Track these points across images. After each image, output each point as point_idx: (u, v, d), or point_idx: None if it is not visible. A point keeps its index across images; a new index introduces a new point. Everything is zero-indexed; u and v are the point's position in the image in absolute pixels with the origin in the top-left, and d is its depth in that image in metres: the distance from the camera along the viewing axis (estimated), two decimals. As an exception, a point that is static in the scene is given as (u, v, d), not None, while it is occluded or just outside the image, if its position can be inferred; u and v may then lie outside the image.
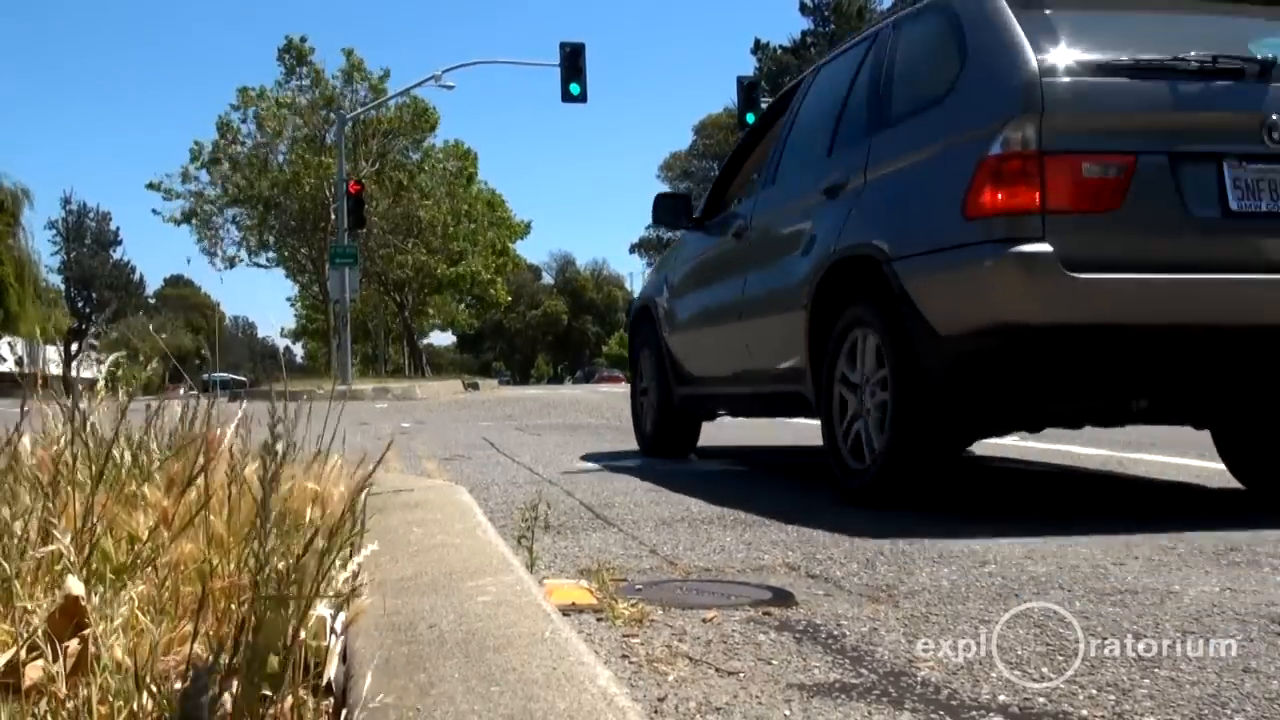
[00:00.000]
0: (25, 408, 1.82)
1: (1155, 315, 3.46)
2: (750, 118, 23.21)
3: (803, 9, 51.16)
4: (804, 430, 6.84)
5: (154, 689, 1.29)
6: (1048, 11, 3.74)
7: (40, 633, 1.30)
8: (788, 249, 4.73)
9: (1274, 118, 3.48)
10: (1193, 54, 3.56)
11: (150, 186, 37.46)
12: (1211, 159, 3.51)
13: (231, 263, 39.42)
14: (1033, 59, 3.52)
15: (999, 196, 3.48)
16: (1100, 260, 3.41)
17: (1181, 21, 3.98)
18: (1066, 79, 3.52)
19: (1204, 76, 3.56)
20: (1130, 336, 3.47)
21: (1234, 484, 4.42)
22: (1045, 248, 3.36)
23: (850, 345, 4.13)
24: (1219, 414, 4.09)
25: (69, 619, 1.29)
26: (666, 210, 6.27)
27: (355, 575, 1.56)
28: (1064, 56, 3.57)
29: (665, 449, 6.34)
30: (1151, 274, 3.43)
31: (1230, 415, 4.11)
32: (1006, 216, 3.46)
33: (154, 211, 39.68)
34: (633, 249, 73.59)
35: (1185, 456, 5.47)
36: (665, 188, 56.58)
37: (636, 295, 7.30)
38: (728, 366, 5.45)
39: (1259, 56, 3.59)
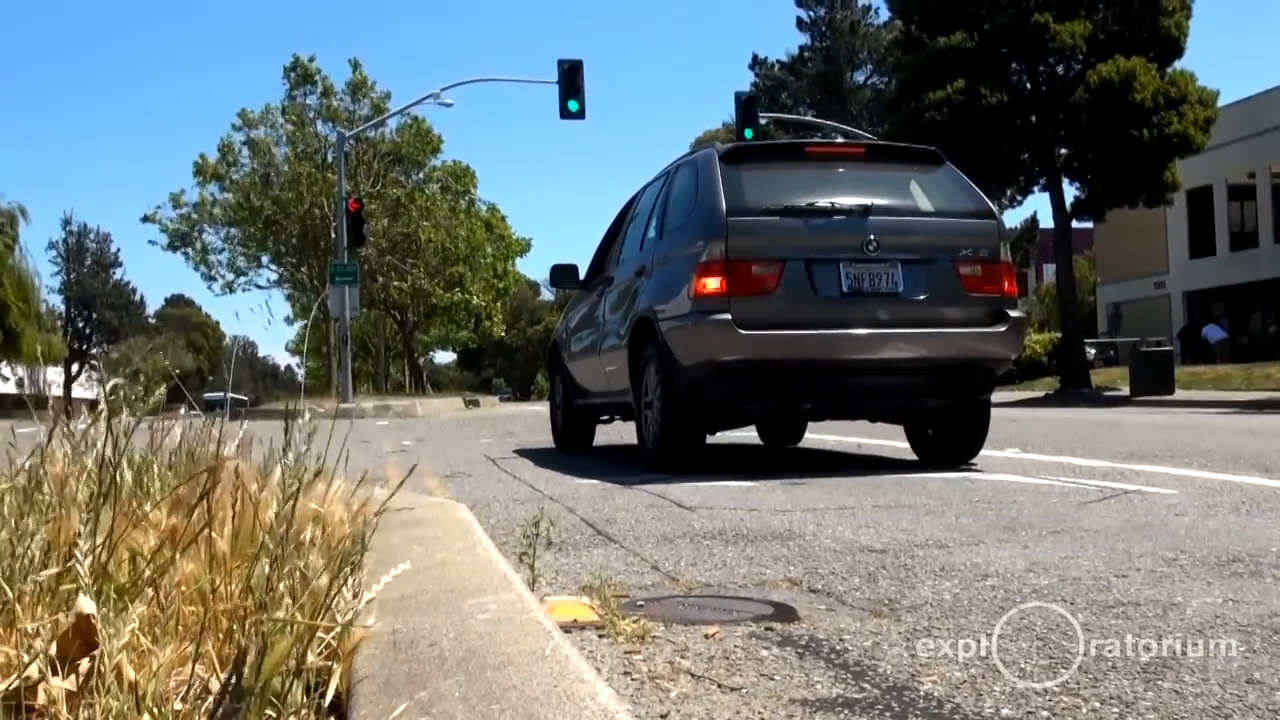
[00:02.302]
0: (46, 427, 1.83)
1: (795, 354, 5.79)
2: (749, 133, 23.33)
3: (800, 25, 51.25)
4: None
5: (155, 711, 1.29)
6: (743, 169, 6.17)
7: (44, 654, 1.30)
8: (621, 308, 7.05)
9: (870, 237, 5.81)
10: (821, 201, 5.96)
11: (146, 219, 37.71)
12: (834, 262, 5.82)
13: (230, 287, 39.49)
14: (724, 204, 5.83)
15: (706, 286, 5.75)
16: (761, 323, 5.69)
17: (824, 174, 6.38)
18: (743, 217, 5.83)
19: (829, 214, 5.95)
20: (781, 366, 5.81)
21: (913, 456, 6.73)
22: (727, 316, 5.65)
23: (646, 372, 6.38)
24: (853, 413, 6.74)
25: (79, 638, 1.29)
26: (561, 276, 8.62)
27: (359, 598, 1.56)
28: (743, 202, 5.89)
29: (570, 443, 8.59)
30: (792, 330, 5.74)
31: (862, 413, 6.73)
32: (709, 298, 5.73)
33: (150, 242, 40.06)
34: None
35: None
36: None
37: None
38: (599, 386, 7.65)
39: (861, 202, 5.95)
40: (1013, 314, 6.01)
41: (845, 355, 5.82)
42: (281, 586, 1.56)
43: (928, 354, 5.91)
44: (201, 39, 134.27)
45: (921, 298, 5.86)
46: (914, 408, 6.34)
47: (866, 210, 5.90)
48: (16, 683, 1.26)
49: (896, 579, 2.82)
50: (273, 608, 1.48)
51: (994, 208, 6.30)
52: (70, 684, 1.25)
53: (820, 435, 9.18)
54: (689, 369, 5.84)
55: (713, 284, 5.71)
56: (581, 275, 8.44)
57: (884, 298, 5.84)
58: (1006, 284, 6.07)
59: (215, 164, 37.18)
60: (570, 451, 8.34)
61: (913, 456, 6.70)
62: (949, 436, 6.39)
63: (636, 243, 7.24)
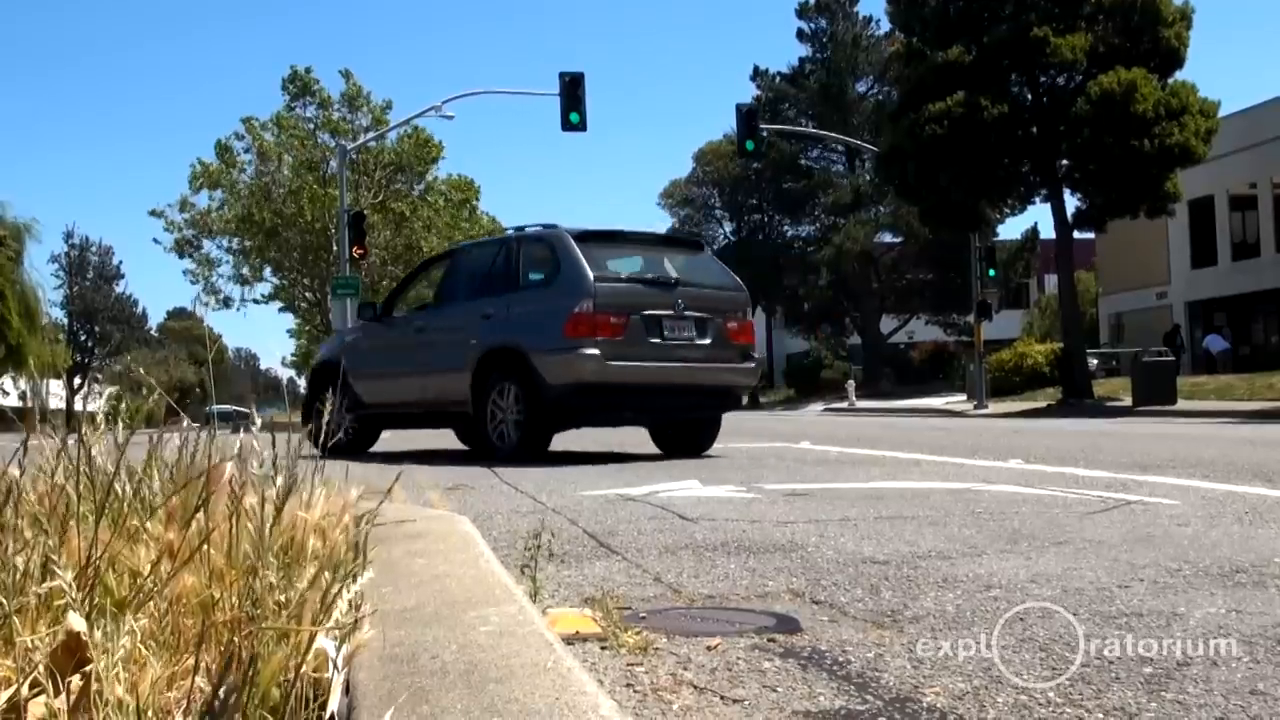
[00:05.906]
0: (26, 441, 1.83)
1: (634, 379, 8.32)
2: (750, 145, 23.38)
3: (800, 37, 51.32)
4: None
5: (156, 724, 1.28)
6: (590, 246, 8.59)
7: (42, 669, 1.30)
8: (458, 341, 9.07)
9: (679, 301, 8.58)
10: (650, 274, 8.87)
11: (153, 214, 37.62)
12: (659, 318, 8.49)
13: (227, 302, 39.40)
14: (590, 272, 8.31)
15: (579, 329, 8.19)
16: (615, 356, 8.16)
17: (640, 252, 9.36)
18: (602, 283, 8.33)
19: (653, 284, 8.72)
20: (624, 387, 8.33)
21: (657, 451, 9.29)
22: (596, 351, 8.13)
23: (499, 390, 8.67)
24: (660, 419, 9.42)
25: (70, 655, 1.28)
26: (365, 311, 10.99)
27: (356, 607, 1.55)
28: (603, 271, 8.47)
29: (356, 448, 9.79)
30: (631, 362, 8.24)
31: (665, 419, 9.39)
32: (580, 338, 8.17)
33: (155, 241, 40.07)
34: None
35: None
36: (666, 215, 57.45)
37: (319, 355, 12.87)
38: (409, 398, 9.73)
39: (673, 276, 8.81)
40: (755, 355, 9.28)
41: (663, 380, 8.50)
42: (282, 598, 1.55)
43: (709, 382, 8.83)
44: (203, 52, 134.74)
45: (707, 343, 8.70)
46: (694, 416, 9.20)
47: (677, 282, 8.73)
48: (10, 700, 1.25)
49: (899, 590, 2.81)
50: (268, 618, 1.48)
51: (741, 282, 9.52)
52: (62, 701, 1.25)
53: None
54: (555, 386, 8.21)
55: (583, 327, 8.16)
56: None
57: (686, 343, 8.59)
58: (751, 336, 9.29)
59: (215, 169, 37.08)
60: (350, 457, 9.12)
61: (655, 450, 9.29)
62: (686, 437, 9.22)
63: (472, 291, 9.50)
